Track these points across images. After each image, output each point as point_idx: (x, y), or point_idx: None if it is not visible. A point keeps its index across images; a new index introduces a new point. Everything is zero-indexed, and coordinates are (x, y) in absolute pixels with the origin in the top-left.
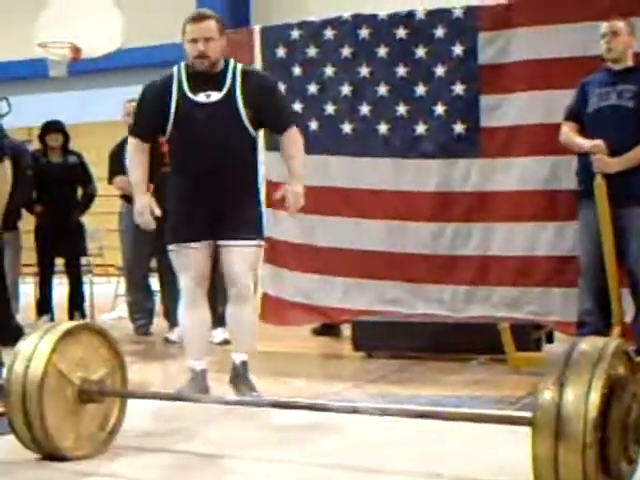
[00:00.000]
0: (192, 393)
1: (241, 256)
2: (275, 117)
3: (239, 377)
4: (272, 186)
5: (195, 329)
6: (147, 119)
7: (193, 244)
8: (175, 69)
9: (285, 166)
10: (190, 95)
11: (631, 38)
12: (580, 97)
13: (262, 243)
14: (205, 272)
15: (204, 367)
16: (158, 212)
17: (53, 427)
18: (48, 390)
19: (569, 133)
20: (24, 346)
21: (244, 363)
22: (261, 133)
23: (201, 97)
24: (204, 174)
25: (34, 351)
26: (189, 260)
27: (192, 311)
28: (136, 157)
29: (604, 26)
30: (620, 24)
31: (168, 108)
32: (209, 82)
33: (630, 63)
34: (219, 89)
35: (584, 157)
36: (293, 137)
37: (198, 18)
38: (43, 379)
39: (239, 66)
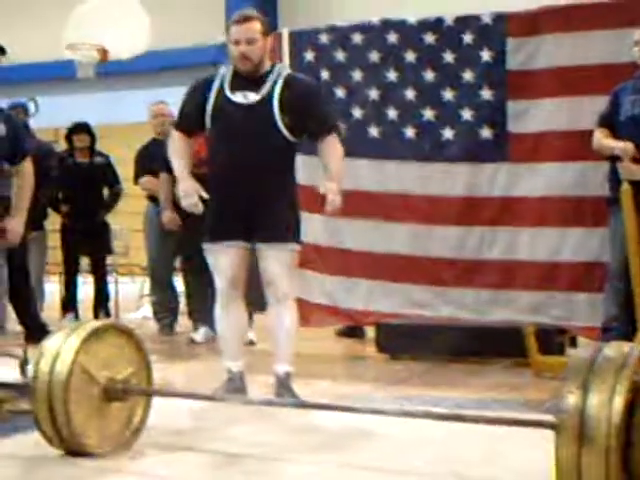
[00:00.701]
0: (228, 394)
1: (278, 259)
2: (316, 123)
3: (284, 389)
4: (300, 189)
5: (231, 330)
6: (188, 113)
7: (226, 243)
8: (223, 68)
9: (322, 170)
10: (228, 94)
11: None
12: (613, 104)
13: (298, 247)
14: (240, 273)
15: (241, 368)
16: (205, 194)
17: (78, 425)
18: (74, 388)
19: (601, 138)
20: (50, 344)
21: (287, 374)
22: None
23: (238, 97)
24: (237, 173)
25: (60, 350)
26: (223, 260)
27: (227, 312)
28: (179, 147)
29: (638, 33)
30: None
31: (207, 104)
32: (250, 83)
33: None
34: (257, 91)
35: (615, 163)
36: (332, 143)
37: (242, 20)
38: (69, 378)
39: (285, 72)
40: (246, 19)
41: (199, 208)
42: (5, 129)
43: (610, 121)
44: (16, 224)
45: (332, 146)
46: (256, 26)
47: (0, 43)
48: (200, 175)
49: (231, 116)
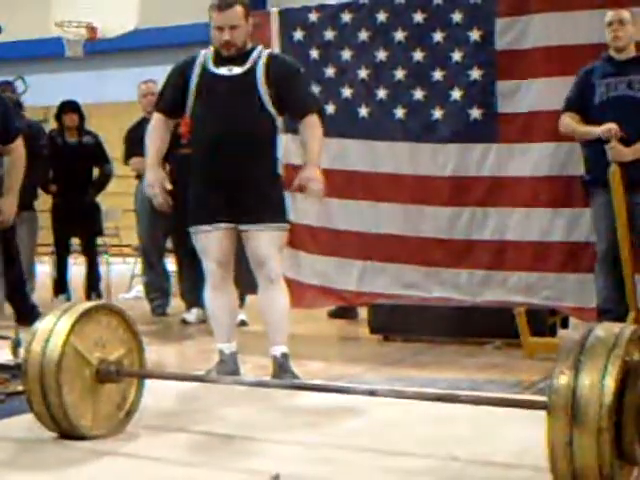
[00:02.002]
0: (221, 375)
1: (268, 240)
2: (295, 101)
3: (284, 370)
4: (291, 169)
5: (222, 312)
6: (170, 93)
7: (213, 226)
8: (204, 50)
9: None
10: (212, 68)
11: (635, 28)
12: (582, 87)
13: (287, 226)
14: (228, 255)
15: (234, 350)
16: (169, 185)
17: (71, 406)
18: (66, 369)
19: (572, 123)
20: (42, 326)
21: (285, 355)
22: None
23: (223, 70)
24: (222, 150)
25: (52, 331)
26: (210, 243)
27: (217, 294)
28: (156, 131)
29: (610, 14)
30: (626, 13)
31: (190, 81)
32: (233, 60)
33: (633, 53)
34: (241, 65)
35: (592, 146)
36: (312, 123)
37: (224, 6)
38: (61, 358)
39: (266, 51)
40: (228, 5)
41: (161, 200)
42: None
43: (580, 105)
44: (8, 204)
45: (311, 126)
46: (238, 11)
47: None
48: (187, 155)
49: (215, 88)
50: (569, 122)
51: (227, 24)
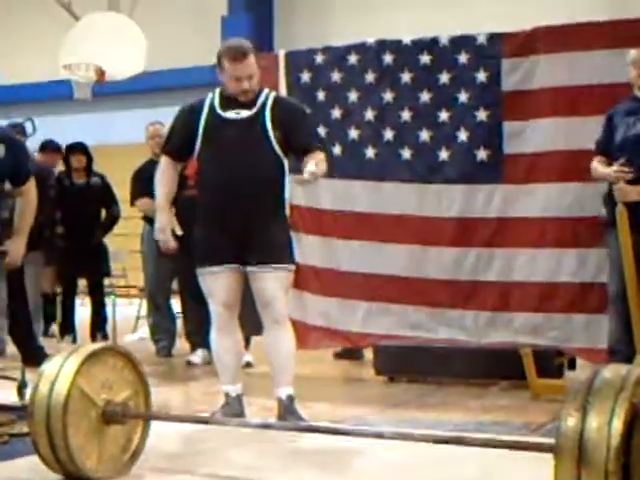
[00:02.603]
0: (226, 417)
1: (275, 281)
2: (300, 140)
3: (289, 412)
4: (296, 210)
5: (227, 354)
6: (178, 136)
7: (220, 268)
8: (210, 94)
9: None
10: (220, 112)
11: None
12: (607, 129)
13: (293, 267)
14: (234, 297)
15: (239, 392)
16: (179, 231)
17: (76, 448)
18: (72, 411)
19: (597, 166)
20: (49, 367)
21: (291, 398)
22: None
23: (230, 114)
24: (230, 192)
25: (59, 372)
26: (217, 285)
27: (223, 336)
28: (165, 175)
29: (633, 53)
30: None
31: (197, 125)
32: (241, 103)
33: None
34: (249, 109)
35: (610, 186)
36: (315, 154)
37: (239, 57)
38: (67, 400)
39: (272, 94)
40: (243, 55)
41: (172, 245)
42: (4, 149)
43: (605, 146)
44: (18, 245)
45: (314, 156)
46: (252, 60)
47: None
48: (192, 197)
49: (224, 132)
50: (595, 165)
51: (245, 74)
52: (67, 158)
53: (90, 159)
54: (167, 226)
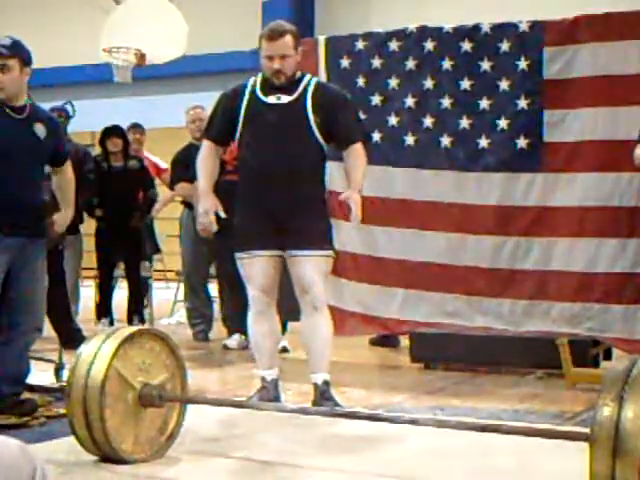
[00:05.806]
0: (262, 402)
1: (314, 266)
2: (341, 130)
3: (325, 398)
4: (334, 196)
5: (264, 339)
6: (220, 121)
7: (259, 252)
8: (252, 78)
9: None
10: (261, 96)
11: None
12: None
13: (333, 254)
14: (273, 282)
15: (275, 376)
16: (223, 214)
17: (113, 430)
18: (109, 393)
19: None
20: (86, 350)
21: (327, 383)
22: None
23: (271, 99)
24: (271, 177)
25: (96, 355)
26: (256, 270)
27: (260, 320)
28: (207, 159)
29: None
30: None
31: (239, 109)
32: (282, 88)
33: None
34: (290, 94)
35: None
36: (356, 153)
37: (275, 35)
38: (104, 382)
39: (314, 79)
40: (279, 35)
41: (214, 228)
42: (46, 130)
43: None
44: (65, 215)
45: (355, 156)
46: (288, 41)
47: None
48: (231, 181)
49: (265, 116)
50: (638, 153)
51: (277, 53)
52: (103, 142)
53: (127, 142)
54: (211, 209)
